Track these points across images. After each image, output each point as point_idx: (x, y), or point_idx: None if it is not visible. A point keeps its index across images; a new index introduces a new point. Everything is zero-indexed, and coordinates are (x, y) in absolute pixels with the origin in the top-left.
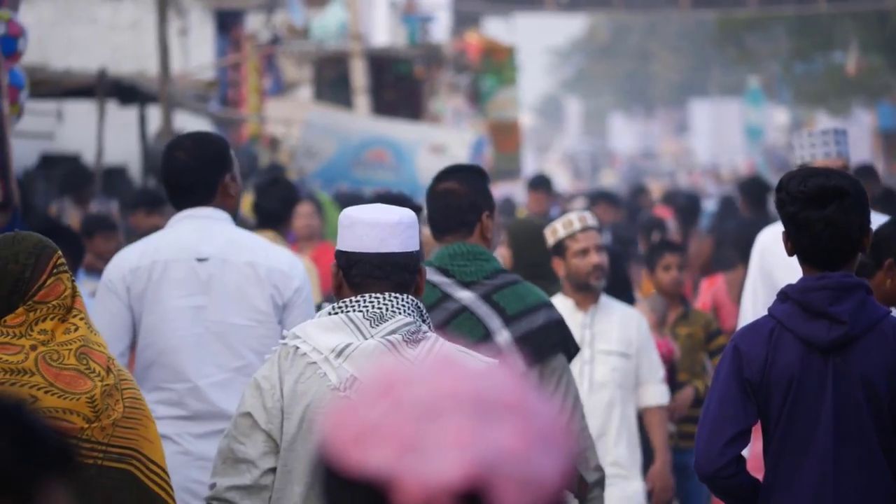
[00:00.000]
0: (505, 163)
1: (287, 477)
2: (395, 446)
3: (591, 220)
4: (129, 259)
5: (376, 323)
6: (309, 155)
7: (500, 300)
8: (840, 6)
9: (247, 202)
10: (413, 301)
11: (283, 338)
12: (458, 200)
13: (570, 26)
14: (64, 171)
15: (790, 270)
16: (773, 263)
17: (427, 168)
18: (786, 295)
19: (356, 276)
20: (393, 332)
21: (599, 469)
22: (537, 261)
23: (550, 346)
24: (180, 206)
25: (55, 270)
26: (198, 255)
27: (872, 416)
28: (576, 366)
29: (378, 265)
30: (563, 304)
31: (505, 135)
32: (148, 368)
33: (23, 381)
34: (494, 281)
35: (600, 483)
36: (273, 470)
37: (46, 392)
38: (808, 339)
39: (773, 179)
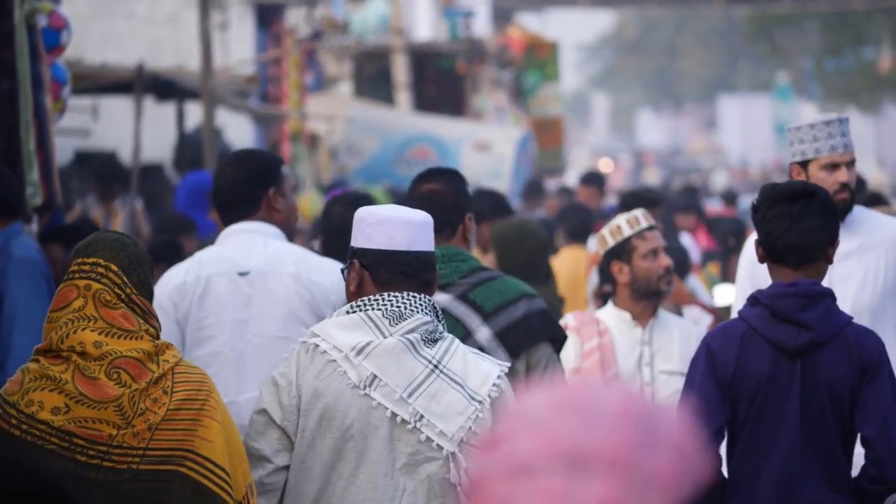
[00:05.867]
0: (548, 160)
1: (304, 474)
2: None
3: (651, 218)
4: (175, 276)
5: (395, 322)
6: (351, 152)
7: (477, 298)
8: (874, 2)
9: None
10: (429, 301)
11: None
12: (443, 201)
13: (598, 22)
14: (95, 165)
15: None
16: (765, 271)
17: (471, 166)
18: (756, 299)
19: (385, 272)
20: (412, 330)
21: None
22: (525, 261)
23: (534, 336)
24: (227, 220)
25: (69, 276)
26: (239, 270)
27: (836, 417)
28: (635, 387)
29: (409, 263)
30: (616, 316)
31: (548, 131)
32: None
33: (60, 389)
34: (470, 279)
35: None
36: (285, 468)
37: (78, 402)
38: (777, 343)
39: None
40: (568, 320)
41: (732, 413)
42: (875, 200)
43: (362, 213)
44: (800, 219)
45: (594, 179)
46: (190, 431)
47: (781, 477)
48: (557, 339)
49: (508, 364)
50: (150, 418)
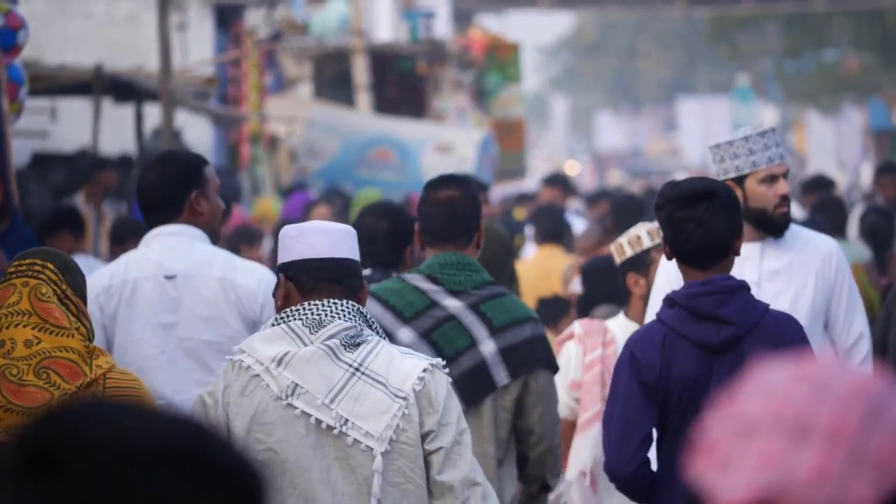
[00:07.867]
0: (510, 162)
1: None
2: (715, 459)
3: None
4: (101, 279)
5: (315, 329)
6: (311, 154)
7: (488, 311)
8: (836, 4)
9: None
10: (354, 306)
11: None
12: (462, 207)
13: (557, 24)
14: (68, 169)
15: None
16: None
17: (433, 168)
18: (672, 301)
19: (309, 280)
20: (331, 336)
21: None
22: (488, 262)
23: (535, 360)
24: (151, 223)
25: (7, 278)
26: (166, 273)
27: None
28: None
29: (332, 269)
30: (626, 328)
31: (509, 133)
32: None
33: None
34: (483, 291)
35: (552, 489)
36: None
37: (7, 411)
38: (699, 341)
39: None
40: (575, 328)
41: (662, 414)
42: (837, 204)
43: (284, 230)
44: (704, 221)
45: (558, 181)
46: None
47: None
48: (553, 369)
49: (441, 361)
50: None
